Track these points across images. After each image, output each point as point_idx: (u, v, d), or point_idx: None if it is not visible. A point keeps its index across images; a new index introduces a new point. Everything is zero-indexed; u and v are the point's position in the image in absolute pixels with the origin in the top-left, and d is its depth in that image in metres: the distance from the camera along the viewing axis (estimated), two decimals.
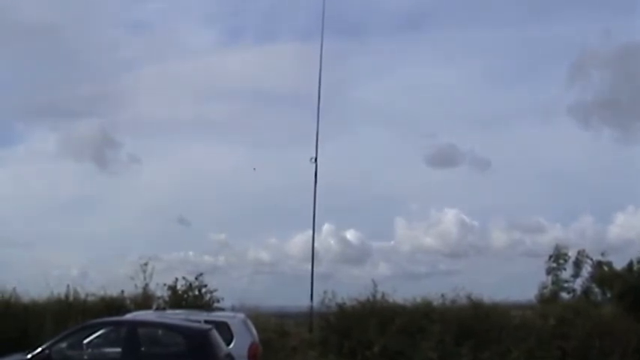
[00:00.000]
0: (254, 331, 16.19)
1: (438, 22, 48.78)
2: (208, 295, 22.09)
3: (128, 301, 21.84)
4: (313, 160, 21.61)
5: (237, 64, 42.15)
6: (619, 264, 22.94)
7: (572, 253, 23.35)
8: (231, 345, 14.62)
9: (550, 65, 42.67)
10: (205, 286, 22.17)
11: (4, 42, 40.09)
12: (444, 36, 46.47)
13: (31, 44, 40.46)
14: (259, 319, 19.29)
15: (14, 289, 21.74)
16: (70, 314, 20.32)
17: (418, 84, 43.04)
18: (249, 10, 48.11)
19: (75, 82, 41.13)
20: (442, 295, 21.44)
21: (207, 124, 42.04)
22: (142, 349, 13.01)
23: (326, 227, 30.90)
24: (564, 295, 23.19)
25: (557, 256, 23.33)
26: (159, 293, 22.14)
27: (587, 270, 23.23)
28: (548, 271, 23.36)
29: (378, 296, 21.39)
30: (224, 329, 14.78)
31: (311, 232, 22.06)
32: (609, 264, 22.99)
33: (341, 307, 21.40)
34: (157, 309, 20.38)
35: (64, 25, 42.91)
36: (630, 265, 22.82)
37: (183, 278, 22.13)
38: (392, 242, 35.78)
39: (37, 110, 38.89)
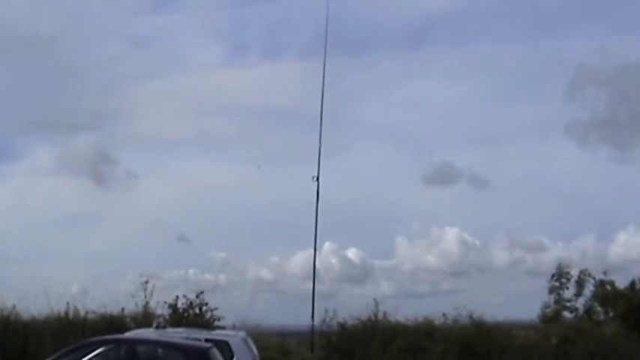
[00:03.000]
0: (255, 349, 16.08)
1: (438, 40, 48.98)
2: (209, 314, 22.02)
3: (128, 319, 21.74)
4: (315, 179, 21.50)
5: (240, 81, 42.32)
6: (621, 283, 22.92)
7: (574, 272, 23.29)
8: None
9: (548, 83, 42.95)
10: (206, 304, 22.11)
11: (5, 55, 40.17)
12: (444, 54, 46.70)
13: (33, 58, 40.61)
14: (260, 337, 19.17)
15: (14, 305, 21.65)
16: (70, 332, 20.22)
17: (420, 101, 43.16)
18: (252, 27, 48.41)
19: (76, 97, 41.21)
20: (444, 315, 21.38)
21: (208, 140, 42.11)
22: None
23: (327, 246, 30.83)
24: (567, 314, 23.08)
25: (560, 275, 23.25)
26: (159, 311, 22.07)
27: (589, 289, 23.17)
28: (551, 290, 23.26)
29: (380, 315, 21.32)
30: (225, 348, 14.66)
31: (312, 250, 21.97)
32: (612, 283, 22.92)
33: (342, 326, 21.31)
34: (158, 327, 20.26)
35: (66, 39, 43.15)
36: (633, 284, 22.77)
37: (184, 296, 22.11)
38: (393, 261, 35.65)
39: (37, 125, 38.92)
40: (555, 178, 37.11)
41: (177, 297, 22.08)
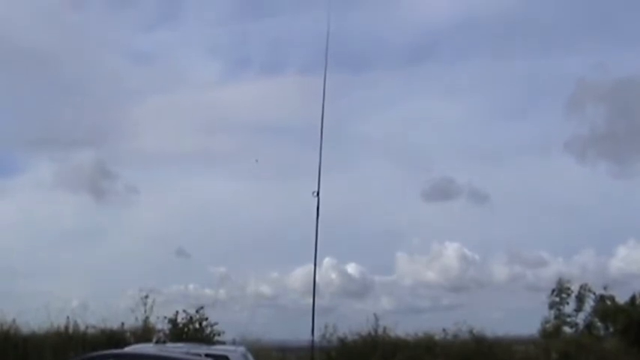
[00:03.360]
0: None
1: (438, 57, 49.02)
2: (209, 329, 22.00)
3: (128, 334, 21.71)
4: (315, 194, 21.51)
5: (240, 96, 42.30)
6: (622, 298, 22.92)
7: (574, 288, 23.32)
8: None
9: (548, 99, 42.84)
10: (206, 319, 22.09)
11: (6, 71, 40.25)
12: (445, 70, 46.78)
13: (34, 73, 40.65)
14: (260, 352, 19.15)
15: (14, 320, 21.61)
16: (70, 346, 20.19)
17: (420, 117, 43.19)
18: (252, 43, 48.43)
19: (77, 113, 41.11)
20: (444, 330, 21.36)
21: (208, 156, 41.96)
22: None
23: (327, 261, 30.75)
24: (567, 329, 23.10)
25: (560, 290, 23.28)
26: (159, 326, 22.05)
27: (589, 304, 23.18)
28: (551, 306, 23.28)
29: (380, 331, 21.32)
30: None
31: (312, 265, 21.90)
32: (612, 298, 22.94)
33: (342, 342, 21.29)
34: (158, 342, 20.22)
35: (66, 54, 43.14)
36: (633, 299, 22.77)
37: (184, 311, 22.09)
38: (393, 276, 35.54)
39: (38, 141, 38.81)
40: (555, 193, 37.12)
41: (177, 312, 22.09)
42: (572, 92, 40.13)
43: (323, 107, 21.55)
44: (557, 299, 23.28)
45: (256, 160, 24.83)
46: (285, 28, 46.73)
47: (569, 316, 23.16)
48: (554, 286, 23.48)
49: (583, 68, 46.85)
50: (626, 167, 33.84)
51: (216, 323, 22.12)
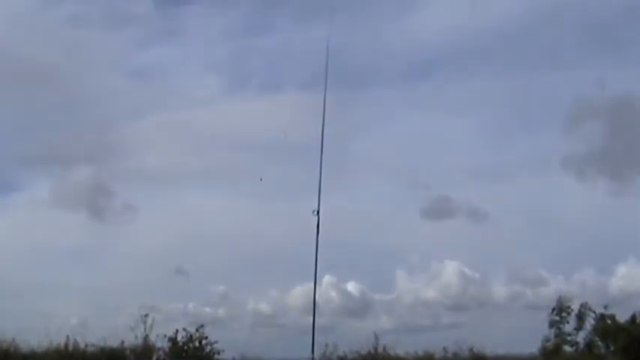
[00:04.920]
0: None
1: (437, 75, 49.18)
2: (209, 347, 22.00)
3: (128, 352, 21.69)
4: (315, 212, 21.54)
5: (239, 114, 42.43)
6: (622, 316, 22.87)
7: (574, 306, 23.27)
8: None
9: (546, 116, 43.01)
10: (206, 337, 22.10)
11: (5, 88, 40.36)
12: (444, 88, 46.91)
13: (33, 91, 40.74)
14: None
15: (13, 338, 21.60)
16: None
17: (419, 135, 43.37)
18: (252, 60, 48.65)
19: (76, 130, 41.22)
20: (444, 349, 21.34)
21: (208, 174, 42.00)
22: None
23: (327, 279, 30.73)
24: (567, 348, 23.00)
25: (560, 309, 23.23)
26: (159, 344, 22.01)
27: (590, 323, 23.13)
28: (551, 324, 23.21)
29: (380, 349, 21.29)
30: None
31: (312, 284, 21.85)
32: (612, 317, 22.88)
33: None
34: None
35: (65, 71, 43.24)
36: (633, 318, 22.72)
37: (184, 330, 22.10)
38: (393, 294, 35.47)
39: (37, 158, 38.84)
40: (554, 211, 37.14)
41: (177, 330, 22.13)
42: (571, 110, 40.43)
43: (323, 124, 21.59)
44: (558, 318, 23.23)
45: (261, 179, 24.86)
46: (285, 45, 47.12)
47: (569, 334, 23.10)
48: (554, 304, 23.45)
49: (581, 86, 47.11)
50: (625, 185, 33.96)
51: (215, 342, 22.14)
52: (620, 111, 36.16)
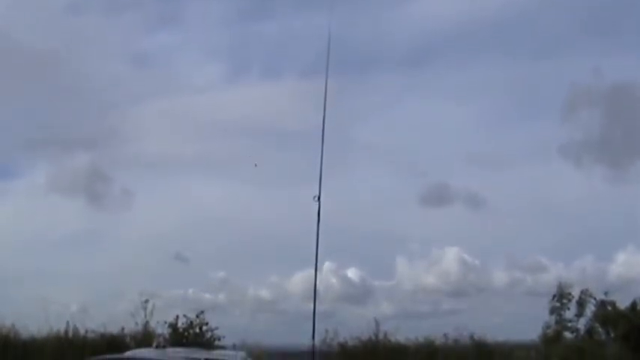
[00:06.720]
0: None
1: (438, 62, 49.01)
2: (209, 333, 21.95)
3: (128, 338, 21.68)
4: (316, 198, 21.46)
5: (240, 100, 42.25)
6: (622, 303, 22.85)
7: (575, 293, 23.24)
8: None
9: (545, 104, 42.92)
10: (206, 324, 22.05)
11: (4, 72, 40.15)
12: (444, 75, 46.71)
13: (33, 76, 40.50)
14: (260, 357, 19.13)
15: (13, 324, 21.59)
16: (70, 351, 20.18)
17: (420, 122, 43.26)
18: (253, 46, 48.42)
19: (76, 116, 41.02)
20: (445, 335, 21.35)
21: (208, 160, 41.92)
22: None
23: (327, 265, 30.66)
24: (568, 334, 22.99)
25: (561, 296, 23.19)
26: (159, 331, 21.96)
27: (590, 309, 23.11)
28: (552, 311, 23.18)
29: (381, 336, 21.31)
30: None
31: (312, 270, 21.80)
32: (613, 303, 22.86)
33: (343, 347, 21.27)
34: (158, 347, 20.11)
35: (66, 57, 42.99)
36: (634, 304, 22.71)
37: (184, 316, 22.06)
38: (394, 281, 35.49)
39: (36, 144, 38.65)
40: (554, 198, 37.12)
41: (178, 316, 22.06)
42: (568, 97, 40.31)
43: (324, 111, 21.46)
44: (558, 304, 23.20)
45: (255, 165, 24.81)
46: (286, 31, 46.87)
47: (570, 321, 23.07)
48: (554, 291, 23.43)
49: (579, 73, 47.07)
50: (623, 172, 33.93)
51: (216, 328, 22.09)
52: (618, 98, 36.05)
